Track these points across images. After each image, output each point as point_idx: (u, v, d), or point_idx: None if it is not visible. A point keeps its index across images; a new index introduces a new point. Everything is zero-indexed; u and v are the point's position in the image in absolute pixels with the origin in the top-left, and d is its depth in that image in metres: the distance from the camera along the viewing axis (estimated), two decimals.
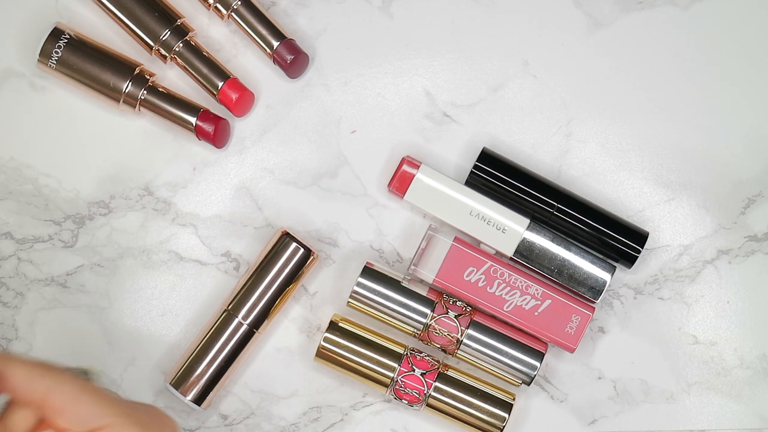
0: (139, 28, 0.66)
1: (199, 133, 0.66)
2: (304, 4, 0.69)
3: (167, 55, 0.67)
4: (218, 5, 0.67)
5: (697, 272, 0.69)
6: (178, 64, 0.67)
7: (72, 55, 0.66)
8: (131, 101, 0.66)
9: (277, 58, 0.67)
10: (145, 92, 0.66)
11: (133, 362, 0.68)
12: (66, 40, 0.66)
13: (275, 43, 0.67)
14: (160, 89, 0.67)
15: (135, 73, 0.66)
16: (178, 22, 0.66)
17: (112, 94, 0.66)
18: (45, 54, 0.66)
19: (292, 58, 0.67)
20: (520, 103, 0.69)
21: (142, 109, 0.67)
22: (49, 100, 0.69)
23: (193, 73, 0.67)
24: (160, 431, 0.51)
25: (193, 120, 0.66)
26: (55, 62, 0.66)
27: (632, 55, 0.70)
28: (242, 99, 0.67)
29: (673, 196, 0.69)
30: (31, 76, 0.69)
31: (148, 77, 0.66)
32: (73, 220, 0.68)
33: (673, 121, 0.69)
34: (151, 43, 0.66)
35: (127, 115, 0.68)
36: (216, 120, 0.66)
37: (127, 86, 0.66)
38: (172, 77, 0.69)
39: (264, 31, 0.67)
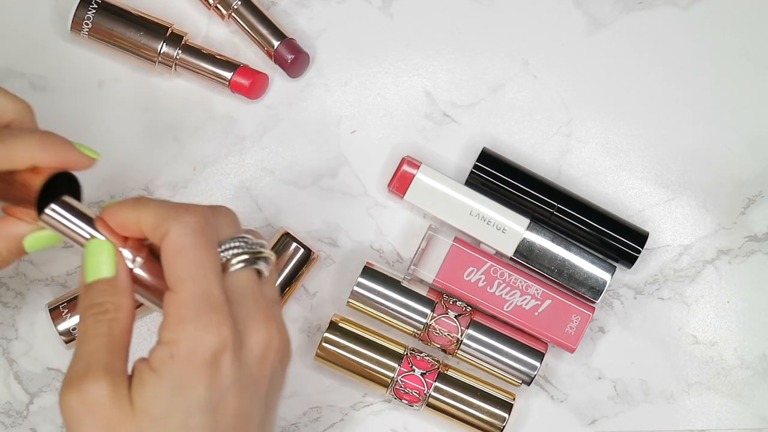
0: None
1: (234, 87, 0.67)
2: (304, 4, 0.69)
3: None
4: (219, 5, 0.67)
5: (697, 272, 0.69)
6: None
7: (103, 20, 0.66)
8: (167, 61, 0.66)
9: (277, 58, 0.67)
10: (179, 51, 0.66)
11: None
12: (96, 7, 0.66)
13: (276, 43, 0.67)
14: (195, 47, 0.67)
15: (168, 33, 0.66)
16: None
17: (148, 55, 0.66)
18: (77, 21, 0.66)
19: (292, 58, 0.67)
20: (520, 103, 0.69)
21: (178, 68, 0.67)
22: (49, 100, 0.69)
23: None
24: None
25: (229, 75, 0.66)
26: (87, 31, 0.66)
27: (632, 55, 0.70)
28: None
29: (673, 196, 0.69)
30: (31, 76, 0.69)
31: (181, 36, 0.66)
32: None
33: (673, 121, 0.69)
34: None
35: (126, 116, 0.68)
36: (253, 74, 0.67)
37: (161, 47, 0.66)
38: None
39: (264, 31, 0.67)
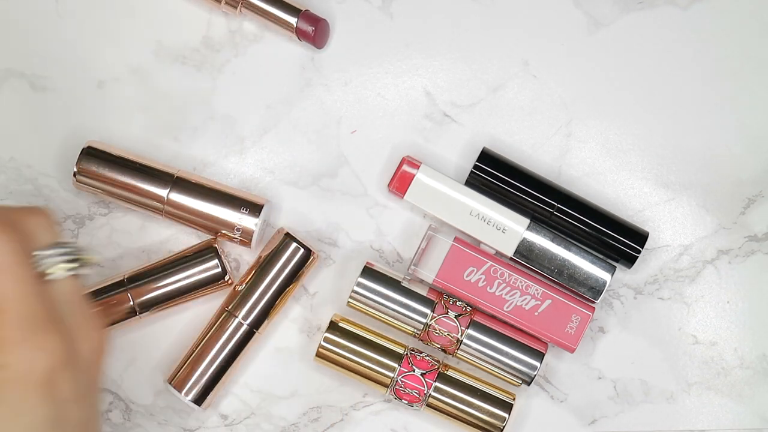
0: None
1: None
2: (305, 5, 0.69)
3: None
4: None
5: (697, 272, 0.69)
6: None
7: None
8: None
9: (300, 33, 0.67)
10: None
11: (133, 362, 0.68)
12: None
13: (294, 20, 0.67)
14: None
15: None
16: None
17: None
18: None
19: (313, 30, 0.67)
20: (520, 103, 0.69)
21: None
22: (49, 100, 0.69)
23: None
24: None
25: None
26: None
27: (632, 55, 0.70)
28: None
29: (673, 196, 0.69)
30: (31, 76, 0.69)
31: None
32: (73, 220, 0.68)
33: (673, 121, 0.70)
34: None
35: (123, 117, 0.68)
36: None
37: None
38: None
39: (279, 13, 0.67)
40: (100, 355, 0.49)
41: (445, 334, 0.66)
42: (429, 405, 0.66)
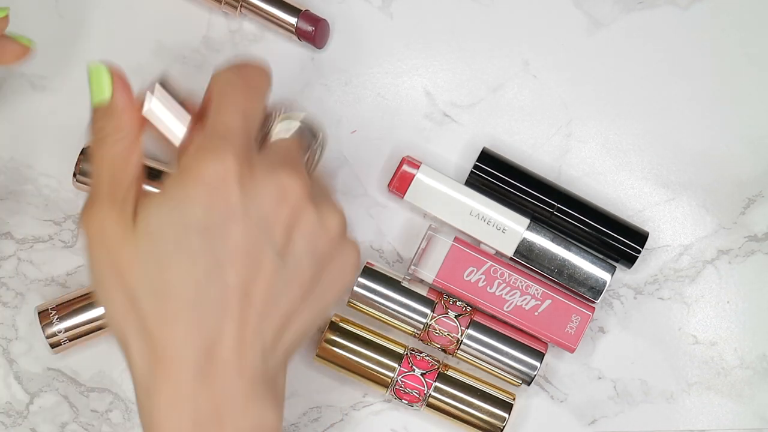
0: None
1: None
2: (305, 4, 0.69)
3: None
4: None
5: (697, 272, 0.69)
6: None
7: None
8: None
9: (301, 33, 0.67)
10: None
11: None
12: None
13: (294, 20, 0.67)
14: None
15: None
16: None
17: None
18: None
19: (313, 30, 0.67)
20: (520, 103, 0.70)
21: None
22: (49, 100, 0.69)
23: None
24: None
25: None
26: None
27: (632, 55, 0.70)
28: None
29: (673, 196, 0.69)
30: (31, 76, 0.69)
31: None
32: (73, 220, 0.68)
33: (673, 121, 0.70)
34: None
35: None
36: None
37: None
38: None
39: (279, 13, 0.67)
40: (288, 199, 0.48)
41: (445, 334, 0.66)
42: (429, 405, 0.66)
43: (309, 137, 0.54)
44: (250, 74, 0.52)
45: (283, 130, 0.52)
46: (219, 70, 0.52)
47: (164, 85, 0.53)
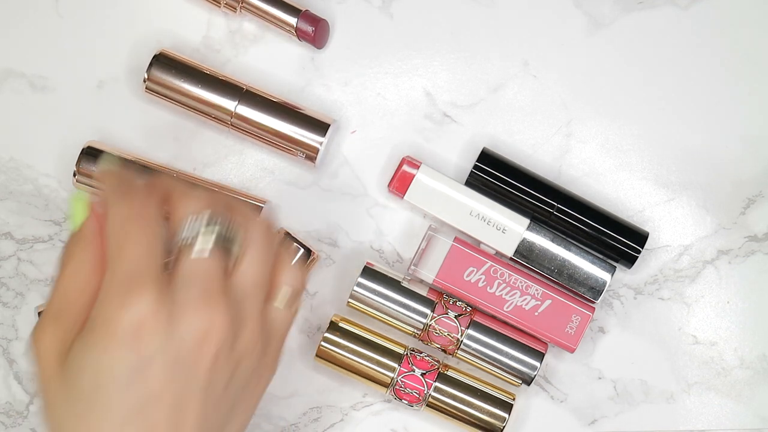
0: None
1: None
2: (305, 5, 0.69)
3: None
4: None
5: (697, 272, 0.69)
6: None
7: None
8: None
9: (300, 34, 0.67)
10: None
11: None
12: None
13: (294, 20, 0.67)
14: None
15: None
16: None
17: None
18: None
19: (313, 30, 0.67)
20: (520, 103, 0.70)
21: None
22: (49, 100, 0.69)
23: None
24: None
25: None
26: None
27: (632, 55, 0.70)
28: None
29: (673, 196, 0.69)
30: (31, 76, 0.69)
31: None
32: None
33: (672, 121, 0.70)
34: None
35: (123, 114, 0.68)
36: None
37: None
38: None
39: (279, 13, 0.67)
40: (209, 342, 0.47)
41: (445, 334, 0.66)
42: (429, 405, 0.66)
43: (228, 244, 0.49)
44: (136, 201, 0.50)
45: (197, 251, 0.48)
46: (105, 203, 0.50)
47: None
